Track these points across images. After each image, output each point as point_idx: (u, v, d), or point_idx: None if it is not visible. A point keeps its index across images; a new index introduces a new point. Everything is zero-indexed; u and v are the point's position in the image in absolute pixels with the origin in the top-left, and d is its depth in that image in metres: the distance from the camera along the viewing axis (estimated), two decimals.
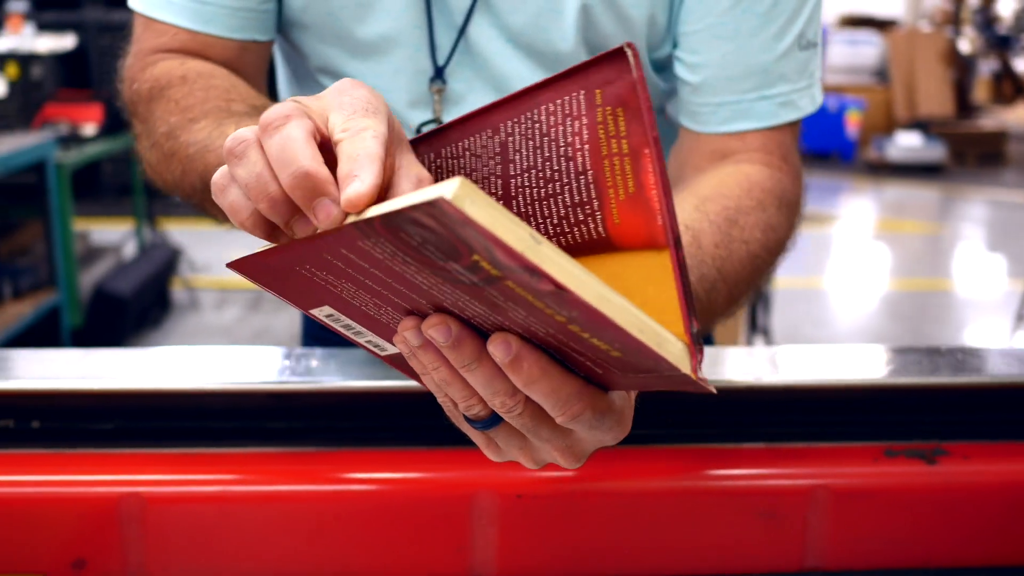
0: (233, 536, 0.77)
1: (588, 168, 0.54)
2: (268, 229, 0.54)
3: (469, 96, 0.90)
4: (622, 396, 0.56)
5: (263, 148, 0.52)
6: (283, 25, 0.90)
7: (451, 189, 0.42)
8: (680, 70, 0.88)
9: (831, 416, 0.86)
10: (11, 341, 3.27)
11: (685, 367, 0.50)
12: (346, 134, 0.52)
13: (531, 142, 0.56)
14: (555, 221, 0.56)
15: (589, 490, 0.79)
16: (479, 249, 0.44)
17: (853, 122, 9.04)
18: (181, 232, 4.95)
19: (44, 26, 5.75)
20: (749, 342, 3.50)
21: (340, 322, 0.60)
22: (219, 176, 0.54)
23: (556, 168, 0.55)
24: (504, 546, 0.79)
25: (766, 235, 0.82)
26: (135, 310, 4.00)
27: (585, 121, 0.53)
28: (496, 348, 0.49)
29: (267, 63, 0.92)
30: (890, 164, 8.67)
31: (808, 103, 0.89)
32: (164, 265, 4.44)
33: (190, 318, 4.55)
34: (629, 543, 0.80)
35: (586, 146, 0.53)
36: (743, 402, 0.86)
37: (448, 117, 0.89)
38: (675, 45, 0.88)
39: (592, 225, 0.55)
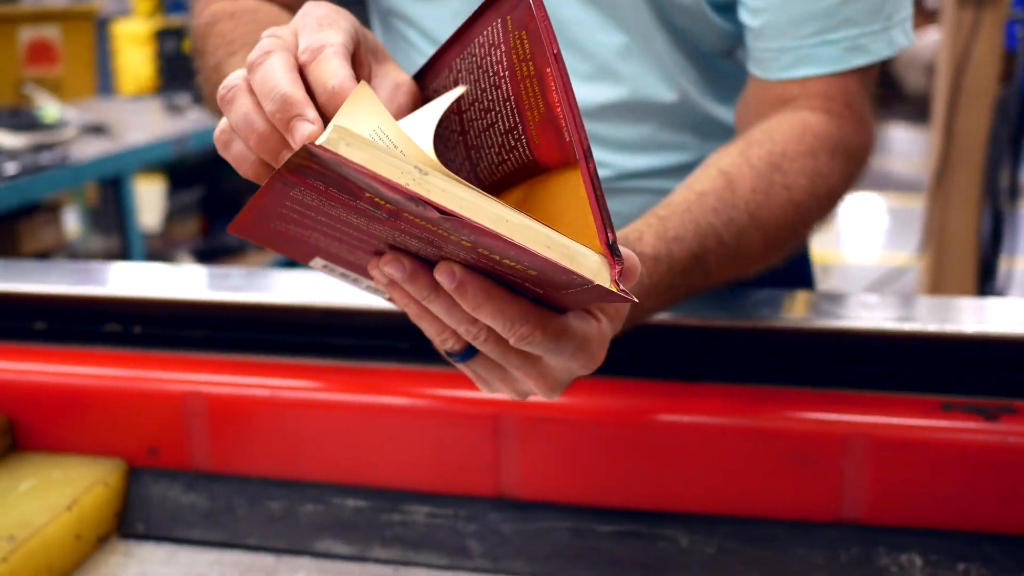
0: (282, 435, 0.84)
1: (511, 94, 0.54)
2: (268, 175, 0.56)
3: None
4: (588, 323, 0.56)
5: (251, 88, 0.55)
6: None
7: (324, 135, 0.45)
8: (743, 15, 0.85)
9: (893, 367, 0.82)
10: None
11: (602, 279, 0.49)
12: (306, 55, 0.56)
13: (472, 76, 0.57)
14: (496, 150, 0.58)
15: (616, 420, 0.79)
16: (365, 187, 0.46)
17: None
18: None
19: None
20: None
21: (336, 272, 0.64)
22: (220, 132, 0.57)
23: (491, 98, 0.56)
24: (528, 467, 0.81)
25: (813, 182, 0.78)
26: None
27: (503, 48, 0.54)
28: (441, 276, 0.51)
29: None
30: None
31: (883, 47, 0.83)
32: None
33: None
34: (655, 476, 0.80)
35: (507, 72, 0.54)
36: (794, 344, 0.83)
37: None
38: None
39: (521, 150, 0.56)
